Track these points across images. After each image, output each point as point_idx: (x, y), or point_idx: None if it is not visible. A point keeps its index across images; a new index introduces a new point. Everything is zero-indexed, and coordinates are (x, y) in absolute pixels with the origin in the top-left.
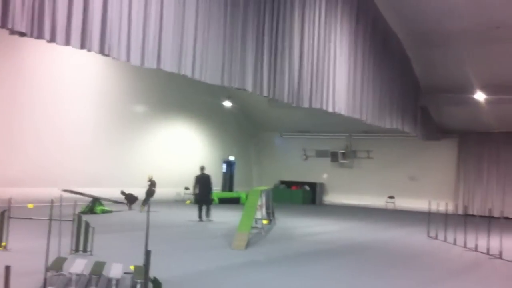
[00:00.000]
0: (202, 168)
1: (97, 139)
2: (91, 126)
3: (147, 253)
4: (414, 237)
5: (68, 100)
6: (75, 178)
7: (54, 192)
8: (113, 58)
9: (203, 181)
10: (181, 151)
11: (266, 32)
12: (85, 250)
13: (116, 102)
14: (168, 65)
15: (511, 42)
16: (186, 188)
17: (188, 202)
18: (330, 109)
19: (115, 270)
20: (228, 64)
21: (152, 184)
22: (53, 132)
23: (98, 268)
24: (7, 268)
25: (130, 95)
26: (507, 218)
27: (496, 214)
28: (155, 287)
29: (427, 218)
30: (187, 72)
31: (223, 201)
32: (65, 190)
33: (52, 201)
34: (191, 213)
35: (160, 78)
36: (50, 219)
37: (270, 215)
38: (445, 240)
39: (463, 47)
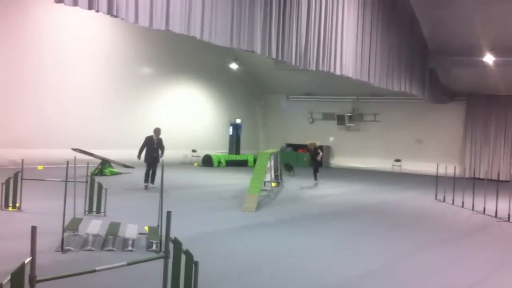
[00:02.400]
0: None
1: (105, 101)
2: (100, 88)
3: (168, 214)
4: (422, 199)
5: (77, 62)
6: (82, 140)
7: (62, 153)
8: (122, 19)
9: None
10: (188, 113)
11: None
12: (98, 211)
13: (123, 64)
14: (177, 27)
15: None
16: (194, 151)
17: (196, 164)
18: (337, 72)
19: (130, 231)
20: (237, 26)
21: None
22: (61, 93)
23: (113, 228)
24: (33, 229)
25: (137, 56)
26: None
27: (503, 177)
28: (176, 247)
29: (434, 181)
30: (196, 33)
31: (231, 164)
32: (75, 149)
33: (67, 163)
34: (199, 175)
35: (166, 40)
36: (66, 181)
37: (278, 178)
38: (453, 203)
39: (472, 7)
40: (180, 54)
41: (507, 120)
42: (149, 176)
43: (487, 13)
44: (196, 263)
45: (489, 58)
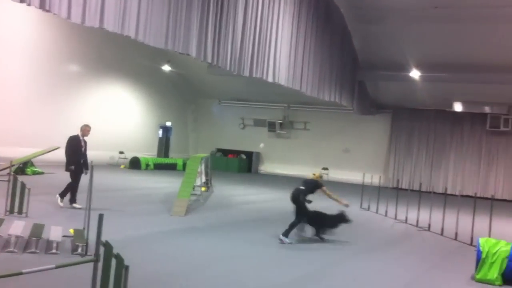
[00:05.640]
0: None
1: (30, 97)
2: (23, 84)
3: (100, 217)
4: (347, 208)
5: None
6: (5, 137)
7: None
8: (54, 14)
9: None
10: (116, 113)
11: None
12: (20, 212)
13: (48, 60)
14: (111, 25)
15: (447, 22)
16: (121, 152)
17: (123, 166)
18: (270, 79)
19: (54, 233)
20: (173, 28)
21: None
22: None
23: (37, 230)
24: None
25: (65, 53)
26: (435, 193)
27: (424, 188)
28: (106, 250)
29: (359, 190)
30: (131, 33)
31: (159, 167)
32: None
33: None
34: (127, 178)
35: (95, 37)
36: None
37: (208, 183)
38: (377, 212)
39: (402, 24)
40: (109, 52)
41: (429, 134)
42: (69, 191)
43: (416, 30)
44: (127, 267)
45: (415, 74)
